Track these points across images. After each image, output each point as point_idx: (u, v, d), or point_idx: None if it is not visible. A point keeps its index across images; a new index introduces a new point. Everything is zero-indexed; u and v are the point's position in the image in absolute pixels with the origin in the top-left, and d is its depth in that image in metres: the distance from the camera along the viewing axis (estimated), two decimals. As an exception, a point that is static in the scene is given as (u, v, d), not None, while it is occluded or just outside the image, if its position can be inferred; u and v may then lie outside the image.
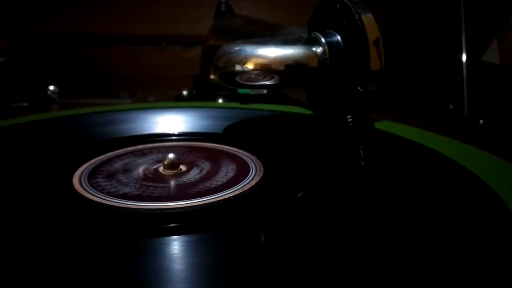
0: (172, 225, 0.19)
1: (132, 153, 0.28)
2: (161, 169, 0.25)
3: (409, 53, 0.67)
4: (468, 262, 0.15)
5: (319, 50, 0.25)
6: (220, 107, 0.45)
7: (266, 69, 0.25)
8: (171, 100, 0.56)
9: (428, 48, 0.66)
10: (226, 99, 0.51)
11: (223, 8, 0.57)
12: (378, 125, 0.33)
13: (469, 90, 0.52)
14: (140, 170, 0.25)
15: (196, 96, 0.56)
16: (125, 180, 0.24)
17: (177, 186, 0.23)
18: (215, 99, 0.52)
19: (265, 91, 0.48)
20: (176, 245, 0.17)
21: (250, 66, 0.25)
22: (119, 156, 0.28)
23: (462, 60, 0.54)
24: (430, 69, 0.64)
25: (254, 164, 0.26)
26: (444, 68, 0.59)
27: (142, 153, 0.28)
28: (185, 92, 0.56)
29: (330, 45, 0.25)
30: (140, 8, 0.71)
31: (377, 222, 0.19)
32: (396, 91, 0.60)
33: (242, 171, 0.25)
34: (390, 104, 0.57)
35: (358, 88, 0.23)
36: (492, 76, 0.53)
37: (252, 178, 0.24)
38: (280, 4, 0.72)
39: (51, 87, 0.56)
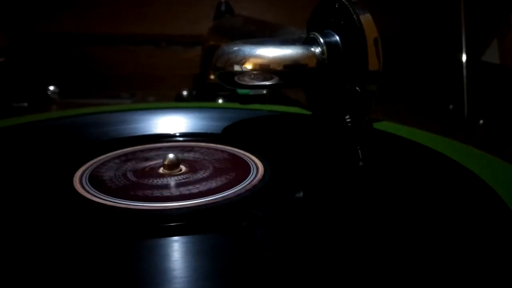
0: (172, 225, 0.19)
1: (132, 153, 0.28)
2: (161, 169, 0.25)
3: (409, 53, 0.67)
4: (468, 262, 0.15)
5: (317, 50, 0.25)
6: (220, 107, 0.45)
7: (264, 69, 0.25)
8: (171, 100, 0.56)
9: (428, 48, 0.66)
10: (226, 99, 0.51)
11: (223, 8, 0.57)
12: (378, 125, 0.33)
13: (469, 90, 0.52)
14: (140, 170, 0.25)
15: (196, 96, 0.56)
16: (125, 180, 0.24)
17: (177, 186, 0.23)
18: (215, 99, 0.52)
19: (264, 91, 0.48)
20: (176, 246, 0.17)
21: (248, 66, 0.25)
22: (119, 157, 0.28)
23: (462, 60, 0.54)
24: (430, 69, 0.64)
25: (254, 164, 0.26)
26: (444, 68, 0.59)
27: (142, 153, 0.28)
28: (185, 92, 0.56)
29: (329, 45, 0.25)
30: (140, 8, 0.71)
31: (377, 223, 0.19)
32: (396, 91, 0.60)
33: (242, 172, 0.25)
34: (390, 104, 0.57)
35: (356, 88, 0.23)
36: (492, 76, 0.53)
37: (252, 179, 0.24)
38: (280, 4, 0.72)
39: (51, 87, 0.56)
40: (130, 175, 0.24)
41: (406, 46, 0.67)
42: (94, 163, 0.26)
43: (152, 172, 0.25)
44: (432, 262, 0.15)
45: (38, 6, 0.67)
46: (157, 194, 0.22)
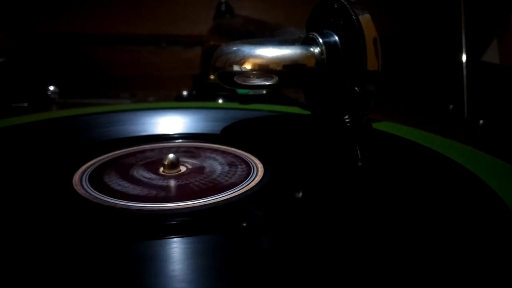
0: (172, 226, 0.19)
1: (132, 153, 0.28)
2: (161, 169, 0.25)
3: (409, 53, 0.67)
4: (468, 262, 0.15)
5: (316, 50, 0.25)
6: (219, 107, 0.45)
7: (263, 69, 0.25)
8: (171, 100, 0.56)
9: (428, 48, 0.66)
10: (226, 99, 0.51)
11: (223, 8, 0.57)
12: (378, 125, 0.33)
13: (469, 90, 0.52)
14: (140, 170, 0.25)
15: (196, 96, 0.56)
16: (125, 180, 0.24)
17: (177, 186, 0.23)
18: (215, 99, 0.52)
19: (264, 91, 0.48)
20: (176, 246, 0.17)
21: (248, 66, 0.25)
22: (119, 157, 0.28)
23: (462, 60, 0.54)
24: (430, 69, 0.64)
25: (254, 164, 0.26)
26: (444, 68, 0.59)
27: (142, 153, 0.28)
28: (185, 92, 0.56)
29: (328, 45, 0.25)
30: (140, 8, 0.71)
31: (376, 223, 0.19)
32: (396, 91, 0.60)
33: (243, 172, 0.25)
34: (390, 104, 0.57)
35: (355, 88, 0.23)
36: (492, 76, 0.53)
37: (253, 179, 0.24)
38: (279, 4, 0.72)
39: (51, 87, 0.56)
40: (130, 176, 0.24)
41: (406, 46, 0.67)
42: (94, 163, 0.26)
43: (152, 173, 0.25)
44: (431, 262, 0.15)
45: (38, 6, 0.67)
46: (157, 195, 0.22)
